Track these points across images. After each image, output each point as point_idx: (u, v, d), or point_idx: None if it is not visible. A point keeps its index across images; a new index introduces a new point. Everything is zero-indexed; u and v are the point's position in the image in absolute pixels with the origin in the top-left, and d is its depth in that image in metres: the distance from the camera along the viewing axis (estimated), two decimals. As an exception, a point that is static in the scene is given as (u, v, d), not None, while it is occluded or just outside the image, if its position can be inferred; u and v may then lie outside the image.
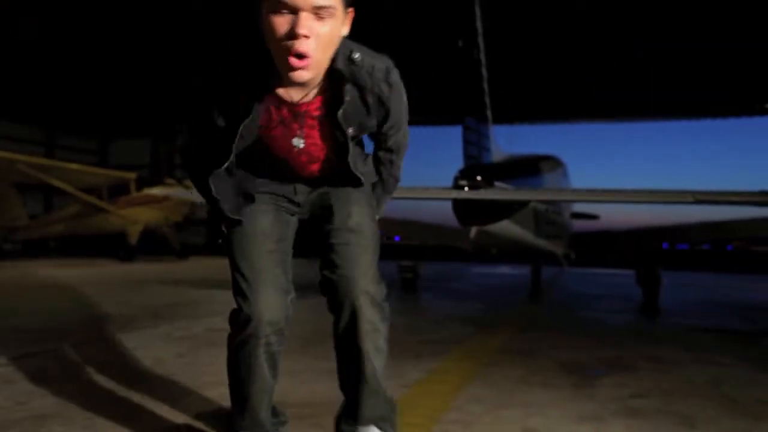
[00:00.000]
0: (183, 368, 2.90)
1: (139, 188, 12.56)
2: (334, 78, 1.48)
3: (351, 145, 1.60)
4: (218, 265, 11.19)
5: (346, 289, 1.57)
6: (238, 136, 1.51)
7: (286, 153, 1.61)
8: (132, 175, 13.01)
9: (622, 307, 6.49)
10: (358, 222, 1.65)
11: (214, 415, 2.17)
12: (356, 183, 1.70)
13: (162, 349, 3.28)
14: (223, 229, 1.67)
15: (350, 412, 1.69)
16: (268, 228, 1.67)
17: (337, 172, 1.67)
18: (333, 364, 1.73)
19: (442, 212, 6.47)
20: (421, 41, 11.33)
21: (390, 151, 1.78)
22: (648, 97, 14.36)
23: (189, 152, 1.74)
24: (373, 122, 1.60)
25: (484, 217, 5.58)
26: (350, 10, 1.41)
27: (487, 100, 6.36)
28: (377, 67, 1.51)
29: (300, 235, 1.80)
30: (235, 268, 1.62)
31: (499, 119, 7.28)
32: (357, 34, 1.50)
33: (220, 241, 1.68)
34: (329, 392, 2.10)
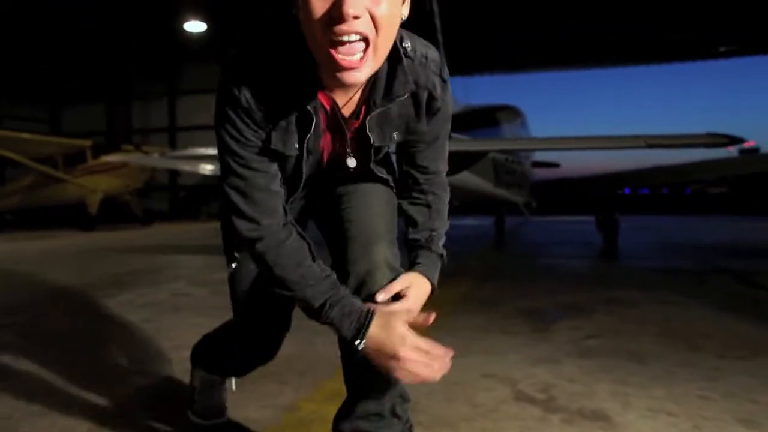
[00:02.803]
0: (148, 334, 2.91)
1: (96, 156, 12.28)
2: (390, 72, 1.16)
3: (384, 153, 1.33)
4: (181, 230, 11.12)
5: (357, 253, 1.26)
6: (305, 152, 1.20)
7: (327, 165, 1.32)
8: (87, 143, 12.69)
9: (581, 253, 6.69)
10: (367, 187, 1.35)
11: (176, 378, 2.20)
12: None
13: (126, 317, 3.28)
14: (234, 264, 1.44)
15: (350, 407, 1.32)
16: None
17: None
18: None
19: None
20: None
21: (426, 171, 1.38)
22: (601, 43, 14.42)
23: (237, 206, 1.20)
24: (423, 126, 1.27)
25: None
26: None
27: (442, 51, 6.31)
28: (431, 57, 1.22)
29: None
30: (234, 309, 1.50)
31: (455, 71, 7.27)
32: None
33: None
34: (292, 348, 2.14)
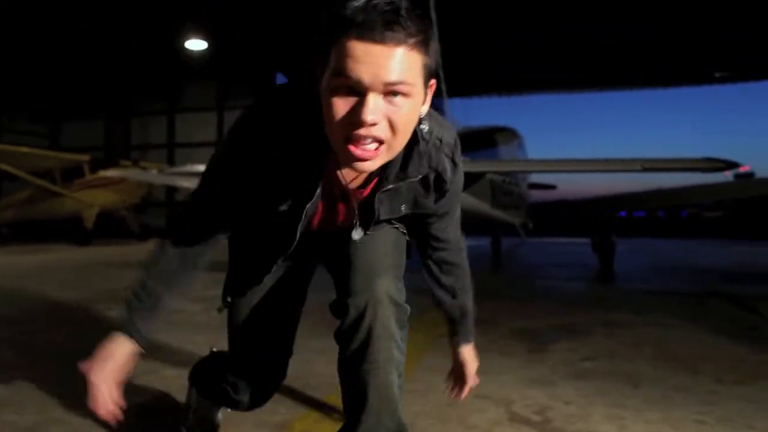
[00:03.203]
0: (142, 351, 2.88)
1: (94, 170, 12.28)
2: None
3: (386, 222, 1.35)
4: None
5: (359, 285, 1.29)
6: (303, 218, 1.24)
7: (319, 228, 1.37)
8: (85, 158, 12.69)
9: (578, 275, 6.68)
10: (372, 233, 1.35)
11: (170, 394, 2.19)
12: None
13: (120, 333, 3.25)
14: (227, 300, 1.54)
15: None
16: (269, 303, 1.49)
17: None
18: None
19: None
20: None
21: (439, 240, 1.45)
22: (599, 67, 14.48)
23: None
24: (431, 204, 1.31)
25: None
26: (432, 83, 1.05)
27: (441, 73, 6.38)
28: (445, 140, 1.24)
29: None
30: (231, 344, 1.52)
31: (455, 93, 7.33)
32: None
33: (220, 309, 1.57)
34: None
